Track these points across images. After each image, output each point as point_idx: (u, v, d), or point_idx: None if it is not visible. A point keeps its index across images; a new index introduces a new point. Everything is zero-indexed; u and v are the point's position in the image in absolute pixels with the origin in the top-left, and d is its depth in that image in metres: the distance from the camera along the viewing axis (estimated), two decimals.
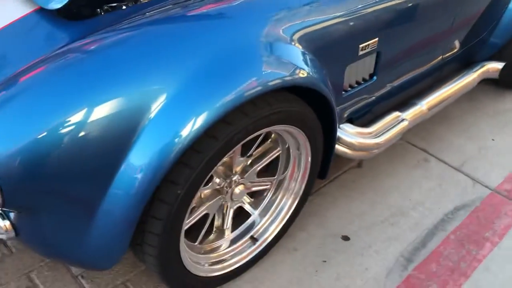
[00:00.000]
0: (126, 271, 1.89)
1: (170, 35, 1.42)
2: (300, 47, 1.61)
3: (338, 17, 1.73)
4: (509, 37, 2.85)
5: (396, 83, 2.25)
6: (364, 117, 2.20)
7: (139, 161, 1.30)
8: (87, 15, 1.68)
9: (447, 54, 2.57)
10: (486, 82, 3.25)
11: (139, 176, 1.30)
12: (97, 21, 1.60)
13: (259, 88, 1.43)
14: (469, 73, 2.71)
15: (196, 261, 1.72)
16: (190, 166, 1.38)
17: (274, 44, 1.54)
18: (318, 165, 1.91)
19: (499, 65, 2.83)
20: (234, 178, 1.70)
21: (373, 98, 2.17)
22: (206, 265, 1.77)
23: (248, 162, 1.78)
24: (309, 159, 1.84)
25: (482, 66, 2.79)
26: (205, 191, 1.70)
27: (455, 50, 2.65)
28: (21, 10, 1.64)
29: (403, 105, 2.36)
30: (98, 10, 1.70)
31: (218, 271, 1.81)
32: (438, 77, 2.65)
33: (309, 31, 1.65)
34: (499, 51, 2.86)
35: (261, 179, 1.85)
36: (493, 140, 2.81)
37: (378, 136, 2.17)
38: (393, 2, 1.91)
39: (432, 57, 2.43)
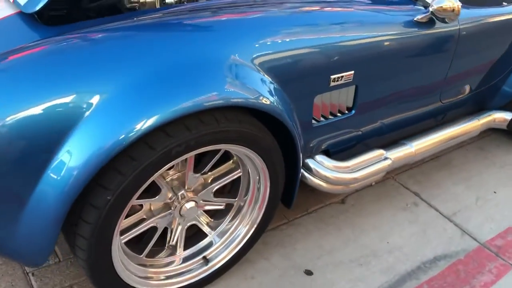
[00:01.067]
0: (77, 274, 1.90)
1: (121, 40, 1.46)
2: (265, 74, 1.61)
3: (309, 47, 1.72)
4: None
5: (382, 121, 2.19)
6: (344, 152, 2.15)
7: (69, 160, 1.32)
8: (67, 20, 1.74)
9: (450, 99, 2.48)
10: (503, 133, 3.13)
11: (67, 175, 1.32)
12: (72, 27, 1.66)
13: (207, 103, 1.44)
14: (472, 120, 2.60)
15: (137, 272, 1.71)
16: (122, 173, 1.39)
17: (239, 67, 1.55)
18: (279, 195, 1.87)
19: (507, 116, 2.71)
20: (181, 193, 1.69)
21: (355, 133, 2.12)
22: (153, 278, 1.76)
23: (206, 180, 1.77)
24: (268, 186, 1.81)
25: (488, 115, 2.68)
26: (155, 203, 1.70)
27: (460, 95, 2.57)
28: (4, 12, 1.73)
29: (390, 144, 2.29)
30: (79, 16, 1.77)
31: (167, 286, 1.80)
32: (439, 121, 2.57)
33: (277, 57, 1.65)
34: None
35: (218, 199, 1.83)
36: (495, 192, 2.67)
37: (356, 171, 2.11)
38: (372, 39, 1.88)
39: (428, 100, 2.36)
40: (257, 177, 1.81)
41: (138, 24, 1.59)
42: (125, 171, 1.39)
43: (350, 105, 2.01)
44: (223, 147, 1.61)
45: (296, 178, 1.87)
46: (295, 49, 1.69)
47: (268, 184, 1.79)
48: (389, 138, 2.31)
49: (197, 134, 1.47)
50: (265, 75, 1.62)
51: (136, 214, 1.68)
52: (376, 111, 2.13)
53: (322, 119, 1.96)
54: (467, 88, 2.60)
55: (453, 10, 1.99)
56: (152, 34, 1.51)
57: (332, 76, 1.80)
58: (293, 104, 1.75)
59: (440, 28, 2.12)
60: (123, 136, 1.33)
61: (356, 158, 2.14)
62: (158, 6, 2.05)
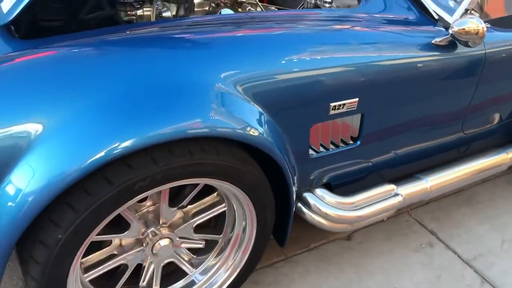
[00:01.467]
0: None
1: (86, 58, 1.31)
2: (253, 101, 1.43)
3: (304, 70, 1.53)
4: None
5: (393, 152, 1.97)
6: (349, 185, 1.94)
7: (14, 191, 1.17)
8: (47, 33, 1.61)
9: (474, 129, 2.23)
10: None
11: (11, 205, 1.17)
12: (51, 40, 1.52)
13: (179, 133, 1.27)
14: (500, 153, 2.34)
15: None
16: (75, 209, 1.23)
17: (221, 92, 1.37)
18: (268, 234, 1.68)
19: None
20: (151, 230, 1.51)
21: (361, 165, 1.90)
22: None
23: (186, 214, 1.60)
24: (255, 226, 1.61)
25: None
26: (125, 239, 1.53)
27: (487, 125, 2.32)
28: None
29: (403, 177, 2.06)
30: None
31: None
32: (461, 153, 2.32)
33: (267, 83, 1.47)
34: None
35: (199, 235, 1.65)
36: None
37: (361, 209, 1.90)
38: (380, 63, 1.68)
39: (448, 130, 2.12)
40: (243, 215, 1.62)
41: (115, 39, 1.43)
42: (78, 207, 1.23)
43: (355, 135, 1.80)
44: (200, 181, 1.43)
45: (288, 215, 1.67)
46: (288, 73, 1.51)
47: (255, 223, 1.60)
48: (402, 171, 2.08)
49: (165, 167, 1.29)
50: (252, 102, 1.43)
51: (105, 249, 1.52)
52: (386, 142, 1.91)
53: (322, 149, 1.76)
54: (496, 117, 2.35)
55: (477, 33, 1.76)
56: (121, 52, 1.36)
57: (332, 104, 1.60)
58: (285, 133, 1.56)
59: (462, 52, 1.89)
60: (75, 167, 1.16)
61: (362, 193, 1.92)
62: (153, 19, 1.91)
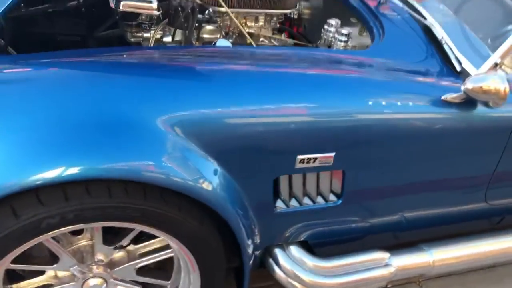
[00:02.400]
0: None
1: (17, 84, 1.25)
2: (202, 147, 1.30)
3: (267, 116, 1.36)
4: None
5: (387, 217, 1.72)
6: (332, 247, 1.72)
7: None
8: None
9: (502, 200, 1.91)
10: None
11: None
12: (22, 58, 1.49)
13: (100, 172, 1.17)
14: None
15: None
16: None
17: (162, 133, 1.25)
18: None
19: None
20: (78, 268, 1.40)
21: (346, 226, 1.68)
22: None
23: (130, 254, 1.48)
24: (199, 280, 1.46)
25: None
26: (60, 271, 1.44)
27: None
28: None
29: (405, 245, 1.81)
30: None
31: None
32: (490, 226, 2.00)
33: (219, 127, 1.32)
34: None
35: (143, 279, 1.52)
36: None
37: (341, 276, 1.67)
38: (368, 115, 1.46)
39: (464, 198, 1.83)
40: (186, 267, 1.47)
41: (68, 62, 1.37)
42: None
43: (338, 191, 1.59)
44: (125, 225, 1.31)
45: (243, 272, 1.50)
46: (245, 118, 1.35)
47: (198, 277, 1.45)
48: (403, 238, 1.82)
49: (78, 207, 1.19)
50: (196, 147, 1.29)
51: (36, 279, 1.44)
52: (377, 204, 1.67)
53: (295, 204, 1.57)
54: None
55: (497, 93, 1.49)
56: (54, 79, 1.28)
57: (300, 157, 1.41)
58: (242, 184, 1.39)
59: (483, 113, 1.61)
60: None
61: (346, 258, 1.69)
62: (151, 44, 1.84)
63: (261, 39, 2.02)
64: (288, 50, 1.75)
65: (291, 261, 1.62)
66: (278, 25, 2.06)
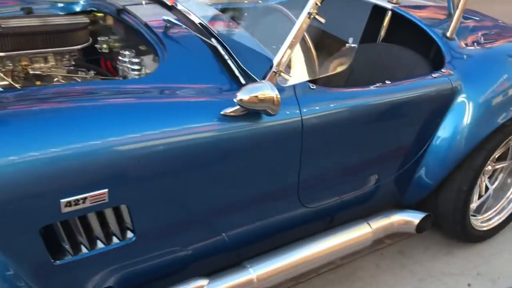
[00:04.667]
0: None
1: None
2: None
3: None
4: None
5: (198, 243, 1.67)
6: (150, 285, 1.64)
7: None
8: None
9: (320, 201, 1.93)
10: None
11: None
12: None
13: None
14: (360, 224, 2.03)
15: None
16: None
17: None
18: None
19: (412, 217, 2.13)
20: None
21: (155, 261, 1.60)
22: None
23: None
24: None
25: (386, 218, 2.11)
26: None
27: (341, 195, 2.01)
28: None
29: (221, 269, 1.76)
30: None
31: None
32: (322, 227, 2.02)
33: None
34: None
35: None
36: None
37: None
38: (137, 144, 1.40)
39: (283, 205, 1.83)
40: None
41: None
42: None
43: (130, 227, 1.51)
44: None
45: None
46: None
47: None
48: (223, 261, 1.78)
49: None
50: None
51: None
52: (181, 232, 1.61)
53: (84, 250, 1.46)
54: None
55: (272, 101, 1.50)
56: None
57: (64, 200, 1.31)
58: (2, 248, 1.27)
59: (268, 122, 1.61)
60: None
61: None
62: None
63: (56, 79, 1.91)
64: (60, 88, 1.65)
65: None
66: (73, 62, 1.97)
